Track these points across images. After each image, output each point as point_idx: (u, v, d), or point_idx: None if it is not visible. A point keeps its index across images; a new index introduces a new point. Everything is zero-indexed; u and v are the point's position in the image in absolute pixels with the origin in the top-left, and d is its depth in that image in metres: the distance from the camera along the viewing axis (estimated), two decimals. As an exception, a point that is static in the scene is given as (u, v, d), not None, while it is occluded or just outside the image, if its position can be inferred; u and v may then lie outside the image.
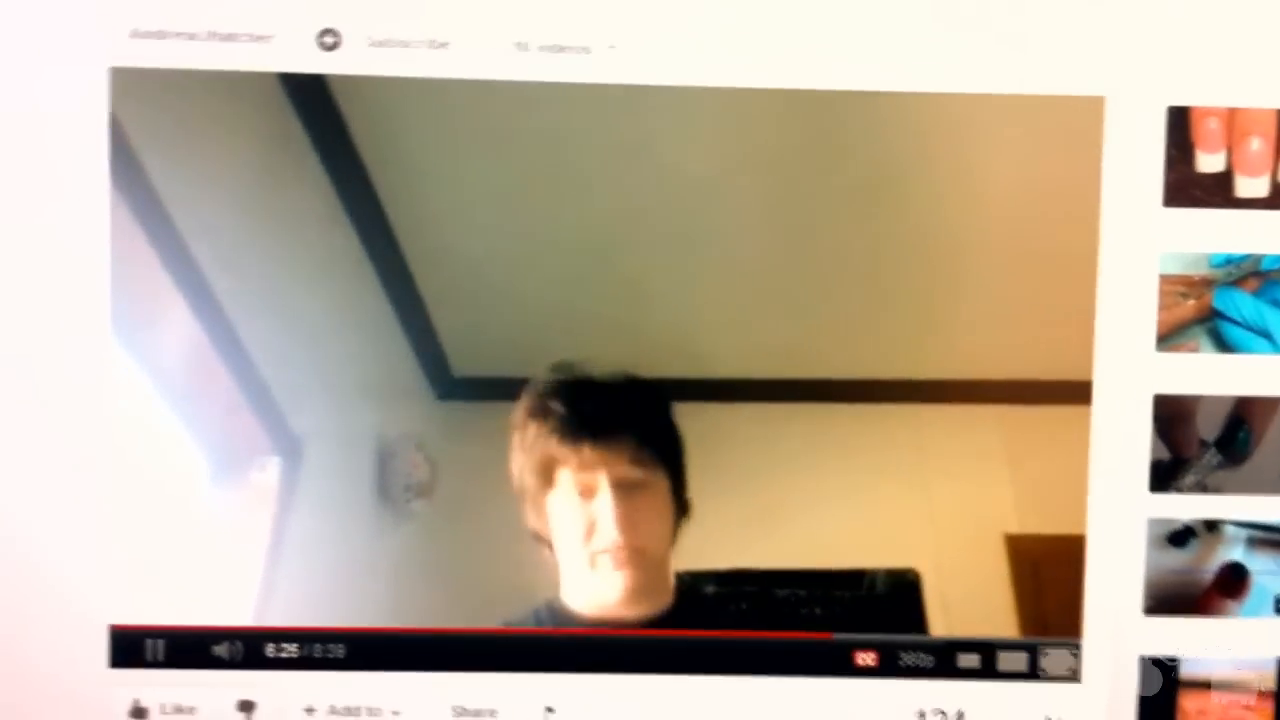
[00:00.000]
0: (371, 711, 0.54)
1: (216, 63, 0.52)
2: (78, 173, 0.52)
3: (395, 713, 0.54)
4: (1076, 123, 0.53)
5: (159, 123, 0.52)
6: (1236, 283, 0.54)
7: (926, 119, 0.54)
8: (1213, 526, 0.55)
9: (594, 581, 0.55)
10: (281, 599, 0.54)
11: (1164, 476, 0.55)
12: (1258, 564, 0.55)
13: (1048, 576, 0.55)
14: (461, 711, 0.54)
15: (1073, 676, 0.55)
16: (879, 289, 0.55)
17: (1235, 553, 0.55)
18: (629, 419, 0.56)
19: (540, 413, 0.55)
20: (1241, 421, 0.55)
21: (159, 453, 0.54)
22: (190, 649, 0.54)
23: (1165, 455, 0.55)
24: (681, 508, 0.56)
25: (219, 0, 0.52)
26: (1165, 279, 0.54)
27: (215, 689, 0.54)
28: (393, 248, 0.54)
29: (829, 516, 0.55)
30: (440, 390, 0.55)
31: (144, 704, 0.54)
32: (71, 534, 0.53)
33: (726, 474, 0.55)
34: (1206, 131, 0.53)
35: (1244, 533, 0.55)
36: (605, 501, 0.55)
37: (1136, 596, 0.55)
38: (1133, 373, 0.54)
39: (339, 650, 0.54)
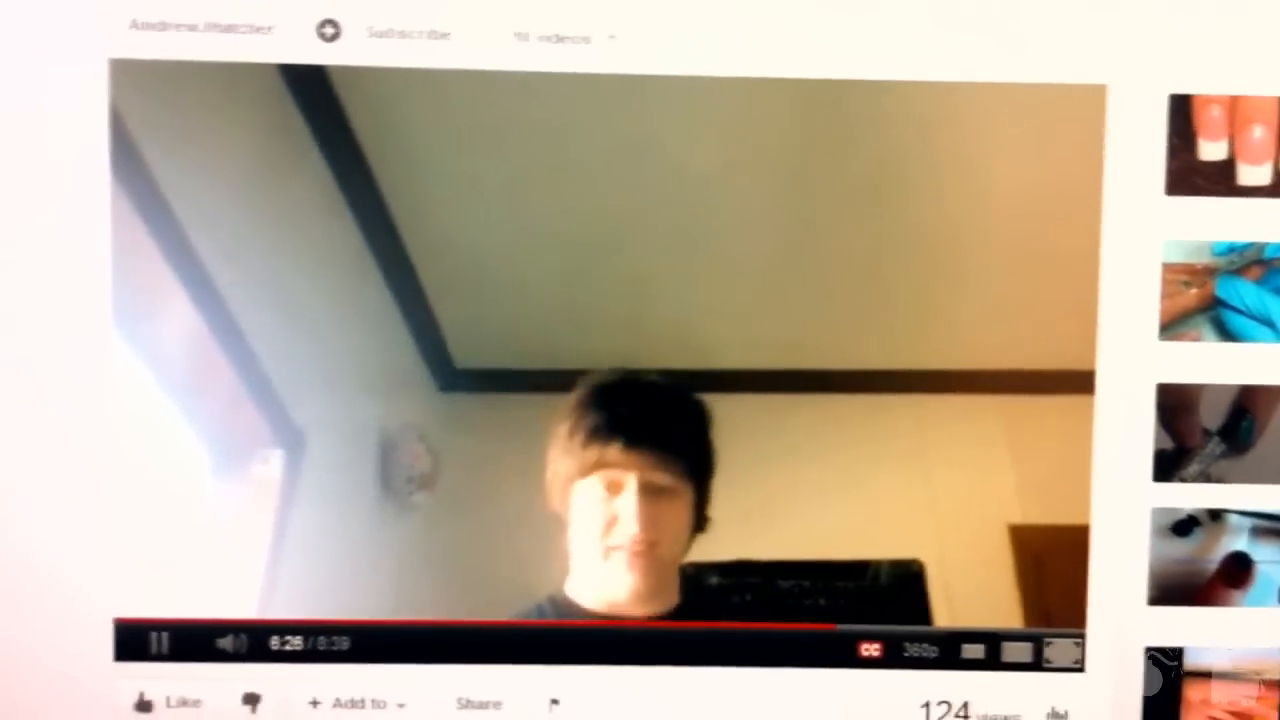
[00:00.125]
0: (376, 704, 0.54)
1: (216, 54, 0.52)
2: (78, 165, 0.52)
3: (400, 705, 0.54)
4: (1078, 112, 0.53)
5: (159, 114, 0.52)
6: (1239, 271, 0.54)
7: (928, 110, 0.54)
8: (1217, 516, 0.55)
9: (604, 575, 0.55)
10: (285, 592, 0.54)
11: (1168, 466, 0.55)
12: (1262, 553, 0.55)
13: (1052, 567, 0.55)
14: (466, 704, 0.54)
15: (1077, 667, 0.55)
16: (881, 280, 0.55)
17: (1239, 542, 0.55)
18: (672, 429, 0.56)
19: (591, 404, 0.55)
20: (1245, 411, 0.55)
21: (162, 446, 0.54)
22: (195, 642, 0.54)
23: (1169, 445, 0.55)
24: (700, 522, 0.56)
25: (219, -8, 0.52)
26: (1168, 268, 0.54)
27: (220, 682, 0.54)
28: (394, 239, 0.54)
29: (833, 508, 0.55)
30: (442, 382, 0.55)
31: (149, 697, 0.54)
32: (75, 528, 0.53)
33: (731, 465, 0.55)
34: (1209, 119, 0.53)
35: (1248, 522, 0.55)
36: (630, 500, 0.55)
37: (1141, 587, 0.55)
38: (1136, 362, 0.54)
39: (343, 643, 0.54)
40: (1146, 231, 0.54)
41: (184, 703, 0.54)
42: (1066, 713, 0.55)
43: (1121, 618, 0.55)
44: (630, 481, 0.55)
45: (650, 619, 0.55)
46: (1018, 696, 0.55)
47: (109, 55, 0.51)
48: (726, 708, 0.55)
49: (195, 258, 0.53)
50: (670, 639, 0.55)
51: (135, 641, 0.54)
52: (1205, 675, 0.56)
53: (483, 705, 0.54)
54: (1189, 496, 0.55)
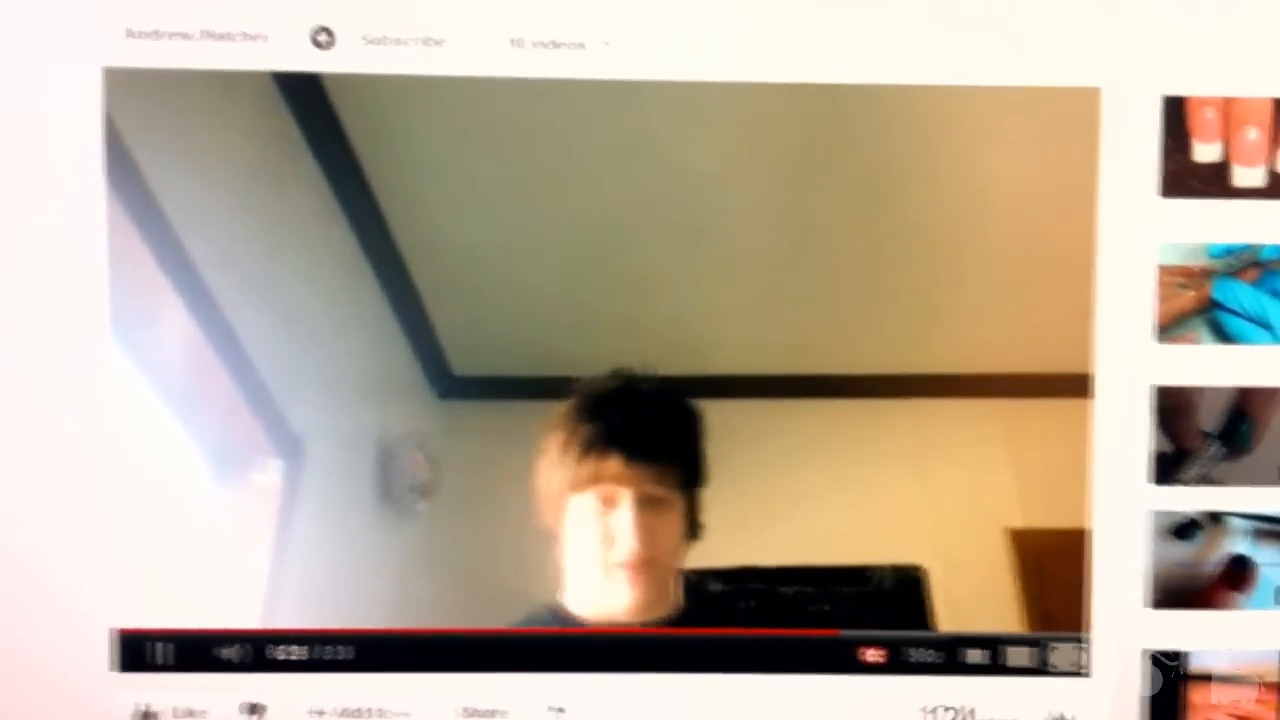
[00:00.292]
0: (380, 713, 0.54)
1: (211, 62, 0.52)
2: (73, 173, 0.52)
3: (404, 714, 0.54)
4: (1073, 114, 0.53)
5: (154, 122, 0.52)
6: (1235, 273, 0.54)
7: (924, 113, 0.54)
8: (1217, 519, 0.55)
9: (605, 591, 0.55)
10: (287, 601, 0.54)
11: (1166, 469, 0.55)
12: (1263, 556, 0.55)
13: (1052, 571, 0.55)
14: (470, 712, 0.54)
15: (1079, 671, 0.55)
16: (878, 283, 0.55)
17: (1240, 545, 0.55)
18: (669, 439, 0.56)
19: (584, 416, 0.55)
20: (1243, 413, 0.55)
21: (161, 455, 0.53)
22: (197, 652, 0.54)
23: (1167, 447, 0.55)
24: (693, 529, 0.56)
25: (213, 0, 0.51)
26: (1164, 270, 0.54)
27: (222, 692, 0.54)
28: (389, 246, 0.54)
29: (834, 513, 0.55)
30: (440, 389, 0.55)
31: (151, 708, 0.54)
32: (75, 538, 0.53)
33: (731, 470, 0.55)
34: (1203, 121, 0.53)
35: (1248, 524, 0.55)
36: (626, 515, 0.55)
37: (1141, 590, 0.55)
38: (1133, 365, 0.54)
39: (346, 652, 0.54)
40: (1142, 234, 0.54)
41: (186, 713, 0.54)
42: (1068, 717, 0.55)
43: (1122, 621, 0.55)
44: (627, 496, 0.55)
45: (653, 626, 0.55)
46: (1020, 701, 0.55)
47: (104, 63, 0.51)
48: (730, 714, 0.55)
49: (191, 265, 0.53)
50: (673, 645, 0.55)
51: (137, 652, 0.53)
52: (1206, 678, 0.56)
53: (487, 713, 0.54)
54: (1188, 499, 0.55)
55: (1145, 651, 0.55)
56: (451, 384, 0.55)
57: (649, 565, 0.55)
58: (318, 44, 0.52)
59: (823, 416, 0.56)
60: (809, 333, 0.55)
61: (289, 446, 0.54)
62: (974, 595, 0.55)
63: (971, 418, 0.56)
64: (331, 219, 0.54)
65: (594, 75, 0.52)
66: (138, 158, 0.52)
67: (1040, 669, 0.55)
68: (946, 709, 0.55)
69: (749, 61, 0.53)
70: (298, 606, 0.54)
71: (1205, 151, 0.53)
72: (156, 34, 0.51)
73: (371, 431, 0.54)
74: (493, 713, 0.54)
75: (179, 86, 0.52)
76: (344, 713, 0.54)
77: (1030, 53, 0.53)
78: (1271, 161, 0.53)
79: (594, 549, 0.55)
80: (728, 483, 0.55)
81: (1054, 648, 0.55)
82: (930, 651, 0.55)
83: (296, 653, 0.54)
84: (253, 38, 0.52)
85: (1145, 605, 0.55)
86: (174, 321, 0.53)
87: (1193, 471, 0.55)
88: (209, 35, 0.51)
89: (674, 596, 0.55)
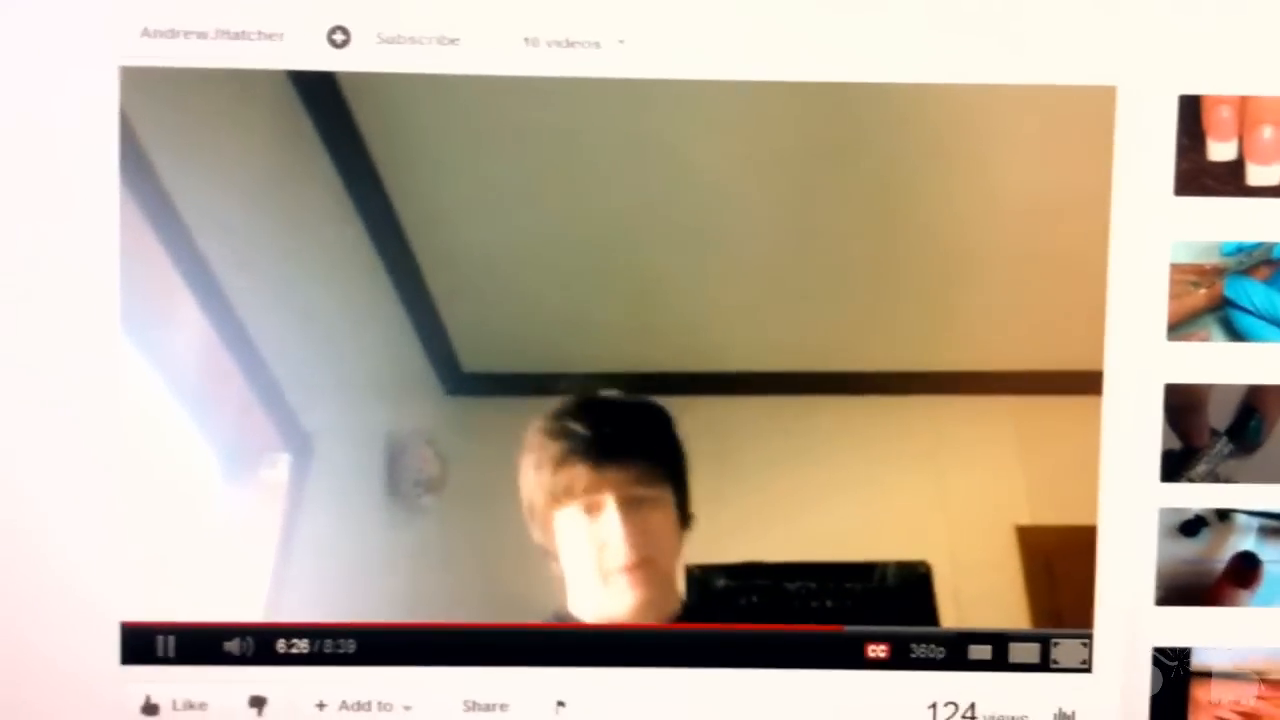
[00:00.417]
0: (383, 706, 0.54)
1: (227, 61, 0.52)
2: (88, 172, 0.52)
3: (406, 707, 0.55)
4: (1087, 112, 0.53)
5: (169, 121, 0.52)
6: (1248, 271, 0.54)
7: (938, 111, 0.54)
8: (1224, 516, 0.55)
9: (606, 597, 0.56)
10: (292, 595, 0.55)
11: (1175, 466, 0.55)
12: (1269, 553, 0.55)
13: (1059, 567, 0.55)
14: (473, 706, 0.55)
15: (1085, 667, 0.55)
16: (890, 281, 0.55)
17: (1247, 542, 0.55)
18: (637, 440, 0.56)
19: (551, 433, 0.55)
20: (1253, 410, 0.55)
21: (170, 450, 0.54)
22: (202, 645, 0.54)
23: (1176, 445, 0.54)
24: (685, 520, 0.56)
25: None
26: (1176, 268, 0.54)
27: (227, 685, 0.54)
28: (403, 244, 0.54)
29: (840, 509, 0.55)
30: (450, 386, 0.55)
31: (155, 700, 0.54)
32: (83, 531, 0.53)
33: (738, 467, 0.55)
34: (1218, 120, 0.53)
35: (1256, 522, 0.55)
36: (613, 520, 0.55)
37: (1148, 587, 0.55)
38: (1144, 362, 0.54)
39: (350, 646, 0.54)
40: (1155, 232, 0.53)
41: (190, 706, 0.54)
42: (1074, 713, 0.55)
43: (1129, 618, 0.55)
44: (610, 502, 0.56)
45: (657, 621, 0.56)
46: (1025, 697, 0.55)
47: (119, 62, 0.52)
48: (733, 709, 0.55)
49: (204, 264, 0.53)
50: (677, 641, 0.55)
51: (142, 645, 0.54)
52: (1212, 675, 0.56)
53: (489, 707, 0.55)
54: (1197, 496, 0.55)
55: (1152, 648, 0.55)
56: (461, 381, 0.55)
57: (646, 565, 0.56)
58: (333, 43, 0.52)
59: (834, 413, 0.56)
60: (821, 331, 0.55)
61: (298, 442, 0.55)
62: (981, 591, 0.55)
63: (983, 415, 0.56)
64: (344, 217, 0.54)
65: (608, 74, 0.53)
66: (152, 157, 0.52)
67: (1045, 665, 0.55)
68: (950, 705, 0.55)
69: (763, 60, 0.53)
70: (305, 601, 0.55)
71: (1220, 150, 0.53)
72: (172, 33, 0.52)
73: (381, 427, 0.55)
74: (495, 707, 0.55)
75: (194, 85, 0.52)
76: (347, 706, 0.54)
77: (1045, 51, 0.53)
78: (1288, 160, 0.53)
79: (589, 559, 0.55)
80: (737, 480, 0.55)
81: (1059, 644, 0.55)
82: (935, 647, 0.55)
83: (300, 646, 0.54)
84: (268, 37, 0.52)
85: (1152, 602, 0.55)
86: (186, 318, 0.53)
87: (1201, 468, 0.55)
88: (224, 34, 0.52)
89: (677, 590, 0.56)
